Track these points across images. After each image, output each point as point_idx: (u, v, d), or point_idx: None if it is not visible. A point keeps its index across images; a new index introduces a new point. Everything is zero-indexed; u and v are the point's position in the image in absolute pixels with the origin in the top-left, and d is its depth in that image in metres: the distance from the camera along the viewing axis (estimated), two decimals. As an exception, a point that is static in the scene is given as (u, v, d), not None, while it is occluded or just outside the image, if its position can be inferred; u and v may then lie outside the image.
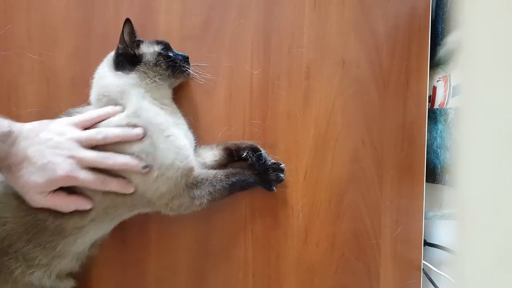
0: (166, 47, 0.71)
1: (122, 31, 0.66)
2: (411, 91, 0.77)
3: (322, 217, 0.77)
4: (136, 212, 0.69)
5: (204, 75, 0.74)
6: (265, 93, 0.77)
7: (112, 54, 0.69)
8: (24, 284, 0.62)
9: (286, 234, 0.77)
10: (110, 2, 0.76)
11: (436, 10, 0.82)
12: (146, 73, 0.67)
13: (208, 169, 0.73)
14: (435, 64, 0.82)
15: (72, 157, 0.58)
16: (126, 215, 0.68)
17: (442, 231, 0.83)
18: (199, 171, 0.69)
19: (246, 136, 0.76)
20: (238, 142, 0.75)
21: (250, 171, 0.73)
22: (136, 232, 0.76)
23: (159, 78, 0.68)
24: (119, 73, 0.67)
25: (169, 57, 0.69)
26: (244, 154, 0.72)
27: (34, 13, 0.76)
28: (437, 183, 0.80)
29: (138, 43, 0.69)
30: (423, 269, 0.78)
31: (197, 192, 0.67)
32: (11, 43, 0.75)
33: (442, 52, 0.80)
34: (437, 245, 0.80)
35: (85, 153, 0.60)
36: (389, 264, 0.78)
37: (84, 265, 0.72)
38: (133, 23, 0.67)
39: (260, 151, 0.73)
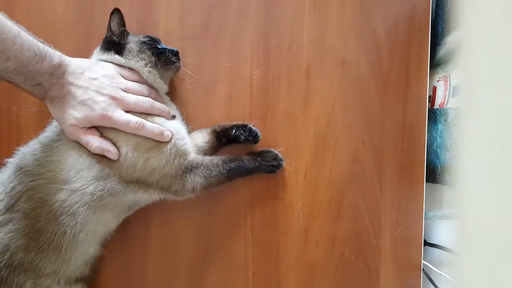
0: (153, 39, 0.71)
1: (110, 20, 0.67)
2: (411, 91, 0.77)
3: (322, 217, 0.77)
4: (132, 197, 0.66)
5: (194, 77, 0.74)
6: (265, 93, 0.77)
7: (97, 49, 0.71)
8: None
9: (286, 234, 0.77)
10: (110, 2, 0.76)
11: (436, 10, 0.82)
12: (131, 56, 0.68)
13: (202, 152, 0.73)
14: (435, 64, 0.82)
15: (113, 98, 0.62)
16: (122, 200, 0.65)
17: (442, 231, 0.83)
18: (194, 156, 0.69)
19: (246, 136, 0.76)
20: (224, 123, 0.75)
21: (249, 156, 0.72)
22: (136, 231, 0.76)
23: (147, 65, 0.68)
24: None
25: (154, 46, 0.69)
26: (233, 132, 0.72)
27: (34, 13, 0.76)
28: (437, 183, 0.80)
29: (126, 34, 0.70)
30: (423, 269, 0.78)
31: (190, 177, 0.66)
32: (11, 43, 0.75)
33: (442, 52, 0.80)
34: (437, 245, 0.80)
35: (126, 95, 0.63)
36: (389, 264, 0.77)
37: (94, 268, 0.72)
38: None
39: (248, 125, 0.73)
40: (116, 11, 0.67)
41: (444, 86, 0.80)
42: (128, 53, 0.68)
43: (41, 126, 0.69)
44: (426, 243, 0.81)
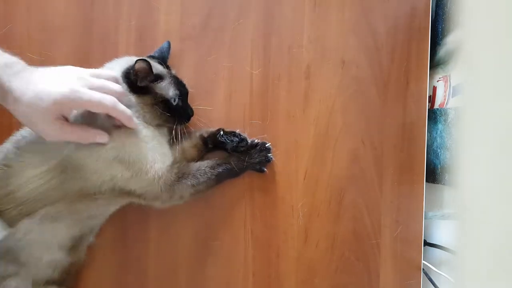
0: (182, 94, 0.68)
1: (135, 71, 0.64)
2: (411, 91, 0.77)
3: (322, 217, 0.77)
4: (111, 206, 0.68)
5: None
6: (265, 93, 0.77)
7: (130, 60, 0.67)
8: None
9: (286, 234, 0.77)
10: (110, 2, 0.76)
11: (436, 10, 0.82)
12: (142, 104, 0.66)
13: (187, 155, 0.72)
14: (435, 64, 0.82)
15: (79, 78, 0.58)
16: (95, 208, 0.65)
17: (442, 231, 0.83)
18: (179, 165, 0.68)
19: (246, 136, 0.76)
20: (211, 128, 0.74)
21: (235, 158, 0.71)
22: (135, 231, 0.76)
23: (150, 116, 0.66)
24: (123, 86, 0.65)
25: (170, 110, 0.67)
26: (220, 135, 0.72)
27: (34, 13, 0.76)
28: (437, 183, 0.80)
29: (157, 79, 0.66)
30: (423, 269, 0.78)
31: (177, 187, 0.66)
32: (11, 43, 0.75)
33: (442, 52, 0.80)
34: (437, 245, 0.80)
35: (92, 78, 0.60)
36: (389, 264, 0.77)
37: (66, 272, 0.70)
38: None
39: (235, 131, 0.72)
40: (143, 63, 0.62)
41: (444, 86, 0.80)
42: (142, 98, 0.65)
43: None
44: (426, 243, 0.81)
